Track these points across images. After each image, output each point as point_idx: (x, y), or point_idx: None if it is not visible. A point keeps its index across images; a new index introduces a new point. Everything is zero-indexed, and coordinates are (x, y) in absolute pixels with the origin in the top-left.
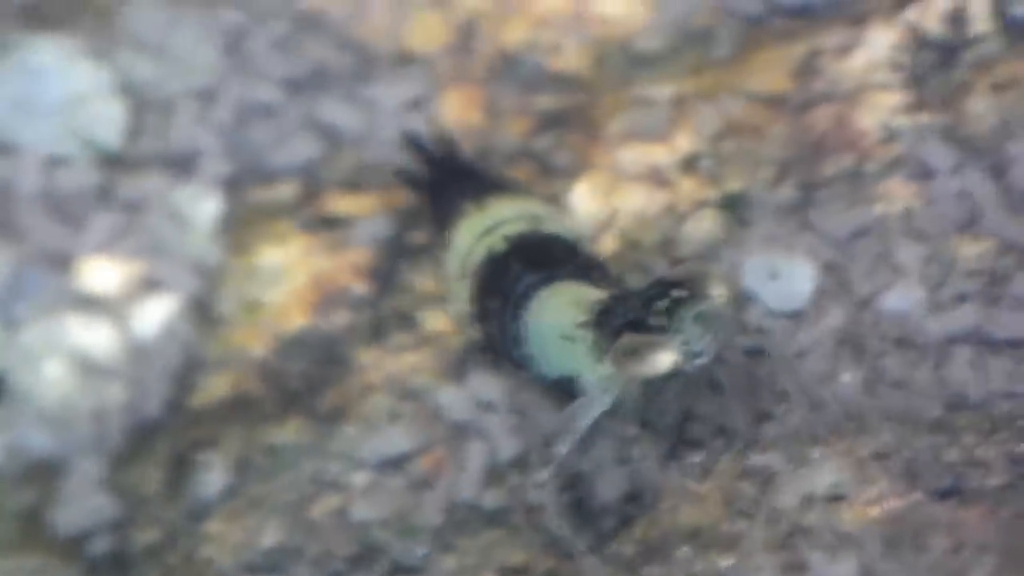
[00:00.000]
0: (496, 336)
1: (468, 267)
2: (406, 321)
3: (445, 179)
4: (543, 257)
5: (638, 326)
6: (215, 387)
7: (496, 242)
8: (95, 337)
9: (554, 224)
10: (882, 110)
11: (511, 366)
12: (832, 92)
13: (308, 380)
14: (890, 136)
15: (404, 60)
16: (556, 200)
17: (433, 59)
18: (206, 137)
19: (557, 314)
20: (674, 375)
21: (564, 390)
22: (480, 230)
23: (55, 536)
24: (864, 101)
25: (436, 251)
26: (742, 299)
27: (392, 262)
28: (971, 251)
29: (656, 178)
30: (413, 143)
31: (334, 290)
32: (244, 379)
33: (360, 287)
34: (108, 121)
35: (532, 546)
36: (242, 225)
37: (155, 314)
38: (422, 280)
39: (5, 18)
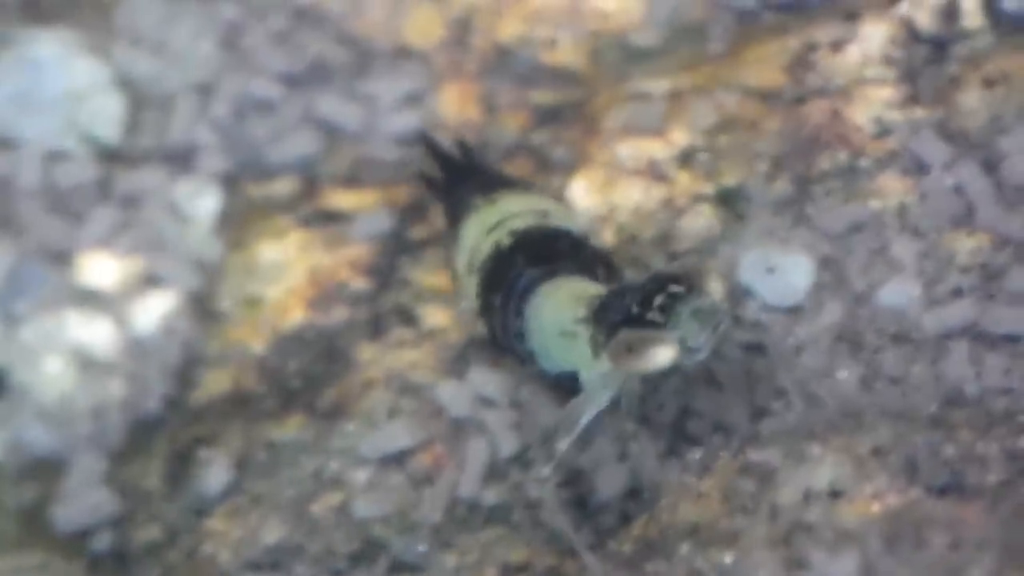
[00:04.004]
0: (500, 331)
1: (475, 262)
2: (406, 317)
3: (458, 177)
4: (547, 252)
5: (636, 322)
6: (215, 383)
7: (502, 237)
8: (95, 333)
9: (562, 219)
10: (876, 105)
11: (515, 361)
12: (826, 87)
13: (308, 376)
14: (884, 131)
15: (401, 55)
16: (554, 195)
17: (430, 54)
18: (204, 132)
19: (556, 310)
20: (672, 371)
21: (567, 385)
22: (488, 225)
23: (57, 533)
24: (858, 96)
25: (447, 247)
26: (739, 294)
27: (391, 257)
28: (966, 246)
29: (653, 172)
30: (428, 142)
31: (333, 286)
32: (244, 375)
33: (359, 282)
34: (107, 116)
35: (533, 543)
36: (241, 220)
37: (155, 310)
38: (422, 275)
39: (5, 12)
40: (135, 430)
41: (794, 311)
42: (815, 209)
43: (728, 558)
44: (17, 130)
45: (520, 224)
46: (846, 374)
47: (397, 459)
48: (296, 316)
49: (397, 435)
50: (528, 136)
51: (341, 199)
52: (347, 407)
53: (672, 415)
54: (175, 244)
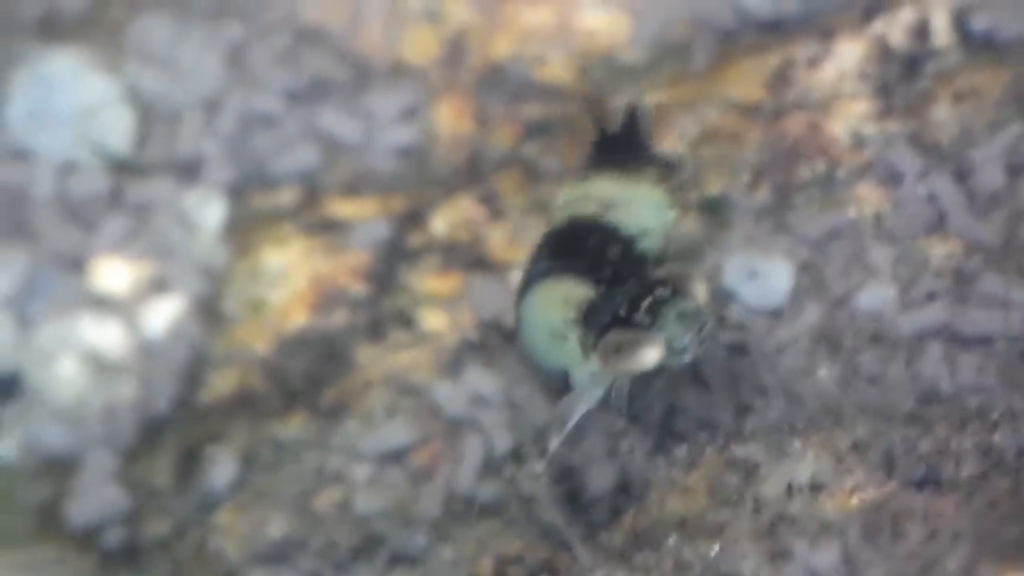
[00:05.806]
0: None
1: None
2: (404, 320)
3: (603, 148)
4: (569, 246)
5: (623, 324)
6: (221, 384)
7: (559, 220)
8: (107, 336)
9: (626, 214)
10: (852, 118)
11: (518, 354)
12: (804, 101)
13: (310, 377)
14: (859, 143)
15: (398, 72)
16: (544, 204)
17: (426, 71)
18: (211, 145)
19: (547, 311)
20: (659, 371)
21: (557, 383)
22: (561, 205)
23: (70, 528)
24: (834, 109)
25: None
26: (723, 297)
27: (389, 264)
28: (939, 252)
29: None
30: (590, 105)
31: (334, 291)
32: (249, 376)
33: (359, 288)
34: (118, 129)
35: (526, 536)
36: (245, 228)
37: (164, 314)
38: (418, 281)
39: (22, 31)
40: (145, 429)
41: (775, 314)
42: (795, 217)
43: (714, 549)
44: (32, 143)
45: (578, 211)
46: (825, 373)
47: (396, 456)
48: (299, 319)
49: (396, 433)
50: (520, 148)
51: (341, 208)
52: (348, 406)
53: (659, 413)
54: (183, 251)
